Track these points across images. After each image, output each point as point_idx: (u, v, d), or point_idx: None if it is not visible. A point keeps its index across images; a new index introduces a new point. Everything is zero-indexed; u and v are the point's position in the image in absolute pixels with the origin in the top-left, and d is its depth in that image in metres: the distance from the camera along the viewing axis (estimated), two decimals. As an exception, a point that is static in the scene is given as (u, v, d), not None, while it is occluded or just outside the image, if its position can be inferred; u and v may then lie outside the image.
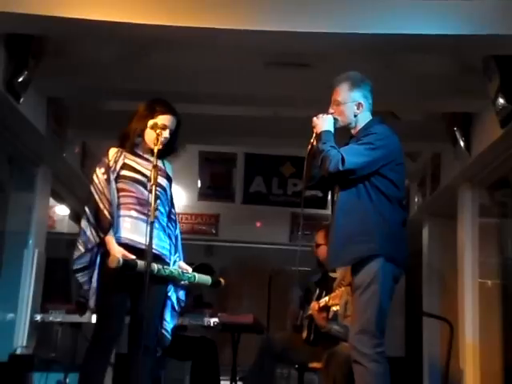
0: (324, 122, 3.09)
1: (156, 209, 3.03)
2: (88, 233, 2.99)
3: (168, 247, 3.14)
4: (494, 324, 5.08)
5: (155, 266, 2.94)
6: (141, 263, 2.90)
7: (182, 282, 3.14)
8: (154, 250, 3.00)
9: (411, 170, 6.07)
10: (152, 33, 3.68)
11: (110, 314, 3.02)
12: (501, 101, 3.88)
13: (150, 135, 3.12)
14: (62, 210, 6.74)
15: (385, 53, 4.07)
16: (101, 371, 3.03)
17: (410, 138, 5.17)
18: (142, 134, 3.15)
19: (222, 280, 3.26)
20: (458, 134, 4.87)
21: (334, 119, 3.12)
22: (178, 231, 3.26)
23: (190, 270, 3.19)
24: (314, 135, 3.12)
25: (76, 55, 4.40)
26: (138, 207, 3.05)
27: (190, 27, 3.58)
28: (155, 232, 3.04)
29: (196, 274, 3.17)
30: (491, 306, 5.14)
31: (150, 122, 3.09)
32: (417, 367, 5.93)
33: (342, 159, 2.92)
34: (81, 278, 3.02)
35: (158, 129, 3.04)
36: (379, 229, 2.96)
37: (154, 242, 3.02)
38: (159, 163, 3.13)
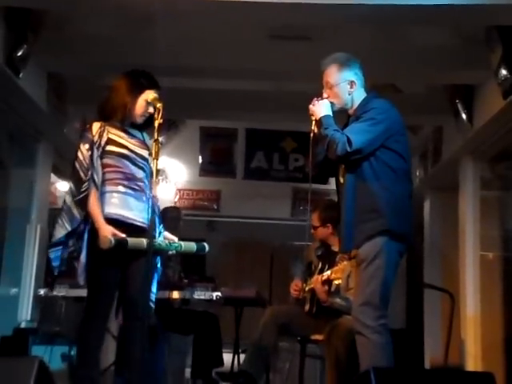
0: (321, 108, 3.08)
1: (142, 181, 3.05)
2: (73, 210, 2.98)
3: (152, 219, 3.11)
4: (495, 296, 5.11)
5: (144, 240, 2.93)
6: (131, 240, 2.91)
7: (170, 252, 3.14)
8: (140, 224, 3.03)
9: (413, 144, 6.00)
10: (152, 5, 3.65)
11: (102, 288, 3.03)
12: (503, 72, 3.86)
13: (138, 110, 3.11)
14: (63, 186, 6.74)
15: (386, 24, 4.04)
16: (97, 345, 3.05)
17: (412, 111, 5.15)
18: (131, 108, 3.13)
19: (205, 245, 3.21)
20: (459, 107, 4.85)
21: (330, 103, 3.10)
22: (158, 202, 3.25)
23: (175, 239, 3.19)
24: (314, 123, 3.10)
25: (75, 29, 4.37)
26: (125, 182, 3.05)
27: (190, -1, 3.55)
28: (142, 205, 3.06)
29: (182, 243, 3.16)
30: (492, 278, 5.16)
31: (150, 96, 3.08)
32: (418, 339, 5.97)
33: (348, 141, 2.92)
34: (54, 253, 3.01)
35: (158, 103, 3.02)
36: (386, 204, 2.97)
37: (141, 215, 3.04)
38: (139, 135, 3.15)
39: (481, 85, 4.65)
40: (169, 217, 5.13)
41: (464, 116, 4.81)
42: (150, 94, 3.11)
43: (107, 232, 2.91)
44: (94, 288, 3.05)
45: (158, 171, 2.92)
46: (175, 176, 7.39)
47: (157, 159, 2.88)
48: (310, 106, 3.11)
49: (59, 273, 3.09)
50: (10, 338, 4.07)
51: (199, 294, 4.45)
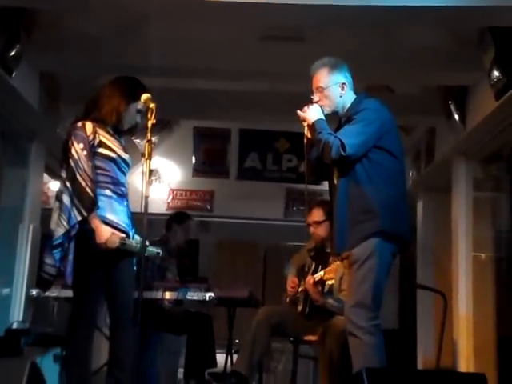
0: (313, 112, 3.09)
1: (124, 186, 3.12)
2: (71, 210, 2.98)
3: (129, 223, 3.16)
4: (487, 296, 5.12)
5: (134, 243, 3.03)
6: (130, 241, 3.01)
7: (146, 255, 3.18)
8: (123, 228, 3.07)
9: (405, 144, 6.03)
10: (145, 5, 3.64)
11: (88, 291, 3.05)
12: (496, 73, 3.87)
13: (128, 117, 3.16)
14: (56, 186, 6.73)
15: (379, 25, 4.05)
16: (85, 346, 3.07)
17: (405, 112, 5.16)
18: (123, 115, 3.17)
19: (160, 251, 3.31)
20: (452, 107, 4.86)
21: (321, 108, 3.11)
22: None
23: (147, 242, 3.22)
24: (306, 128, 3.11)
25: (69, 29, 4.35)
26: (111, 186, 3.08)
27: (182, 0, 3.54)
28: (124, 210, 3.09)
29: (149, 247, 3.21)
30: (485, 279, 5.17)
31: (144, 97, 3.07)
32: (411, 339, 5.98)
33: (342, 144, 2.92)
34: (57, 254, 3.02)
35: (151, 103, 3.02)
36: (380, 205, 2.98)
37: (123, 219, 3.09)
38: (121, 140, 3.20)
39: (473, 86, 4.66)
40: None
41: (457, 117, 4.82)
42: (145, 96, 3.11)
43: (109, 232, 2.93)
44: (80, 290, 3.06)
45: (150, 171, 2.93)
46: (168, 176, 7.38)
47: (150, 159, 2.90)
48: (300, 112, 3.11)
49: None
50: (1, 339, 4.05)
51: (192, 295, 4.45)
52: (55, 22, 4.21)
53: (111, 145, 3.10)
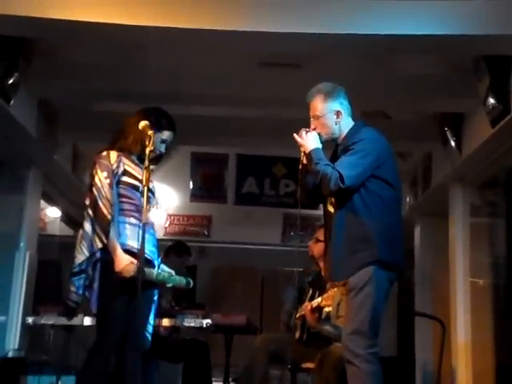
0: (310, 141, 3.08)
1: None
2: (91, 237, 2.99)
3: (155, 251, 3.16)
4: (485, 323, 5.10)
5: (154, 271, 3.01)
6: (148, 270, 2.96)
7: (168, 285, 3.16)
8: (147, 256, 3.03)
9: (402, 170, 6.05)
10: (142, 34, 3.68)
11: (114, 318, 3.02)
12: (491, 100, 3.90)
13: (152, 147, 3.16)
14: (53, 212, 6.72)
15: (376, 53, 4.09)
16: (105, 374, 3.02)
17: (402, 138, 5.20)
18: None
19: (191, 281, 3.29)
20: (448, 134, 4.90)
21: (318, 134, 3.12)
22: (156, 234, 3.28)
23: (173, 272, 3.23)
24: (303, 154, 3.11)
25: (66, 57, 4.39)
26: (136, 214, 3.06)
27: (180, 28, 3.58)
28: (148, 238, 3.07)
29: (177, 277, 3.20)
30: (483, 305, 5.16)
31: (142, 123, 3.08)
32: (409, 367, 5.94)
33: (341, 176, 2.92)
34: (77, 281, 3.01)
35: (149, 130, 3.04)
36: (376, 234, 2.96)
37: (147, 247, 3.05)
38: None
39: (469, 113, 4.69)
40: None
41: (453, 143, 4.85)
42: (166, 135, 3.16)
43: (128, 261, 2.93)
44: (107, 317, 3.03)
45: (148, 198, 2.93)
46: (166, 201, 7.38)
47: (147, 186, 2.90)
48: (298, 138, 3.11)
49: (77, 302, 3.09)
50: (-3, 367, 4.02)
51: (189, 322, 4.42)
52: (53, 50, 4.24)
53: (136, 173, 3.10)
